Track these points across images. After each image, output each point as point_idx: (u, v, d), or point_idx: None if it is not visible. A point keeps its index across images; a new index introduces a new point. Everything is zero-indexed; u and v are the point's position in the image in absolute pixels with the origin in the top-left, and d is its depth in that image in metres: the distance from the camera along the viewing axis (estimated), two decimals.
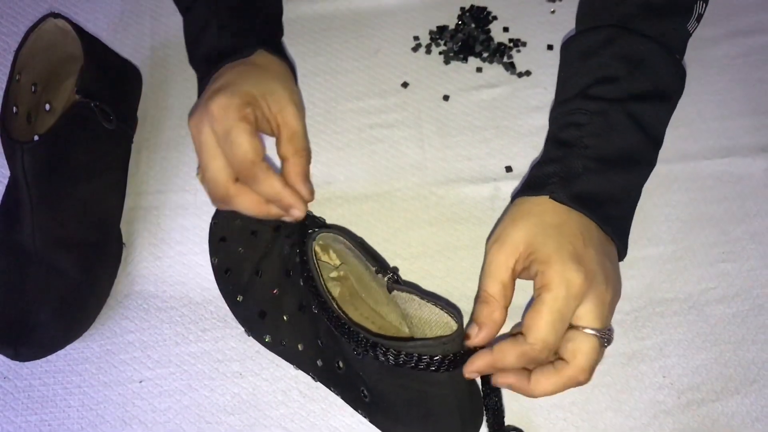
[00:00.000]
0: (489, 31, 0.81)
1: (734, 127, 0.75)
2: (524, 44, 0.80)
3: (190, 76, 0.80)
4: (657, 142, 0.64)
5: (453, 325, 0.55)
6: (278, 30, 0.74)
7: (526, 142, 0.75)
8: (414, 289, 0.58)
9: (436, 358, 0.53)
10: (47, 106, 0.71)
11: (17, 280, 0.64)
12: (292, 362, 0.64)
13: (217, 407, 0.63)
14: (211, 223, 0.69)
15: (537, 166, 0.62)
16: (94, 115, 0.66)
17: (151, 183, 0.74)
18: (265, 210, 0.60)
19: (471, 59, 0.80)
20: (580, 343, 0.53)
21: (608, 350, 0.64)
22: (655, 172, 0.72)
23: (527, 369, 0.55)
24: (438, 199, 0.72)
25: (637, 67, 0.62)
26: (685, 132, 0.75)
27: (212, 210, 0.71)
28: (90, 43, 0.69)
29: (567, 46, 0.68)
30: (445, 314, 0.56)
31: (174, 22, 0.84)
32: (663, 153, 0.73)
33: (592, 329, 0.54)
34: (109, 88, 0.68)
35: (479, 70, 0.79)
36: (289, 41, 0.81)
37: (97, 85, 0.67)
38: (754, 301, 0.67)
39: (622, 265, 0.63)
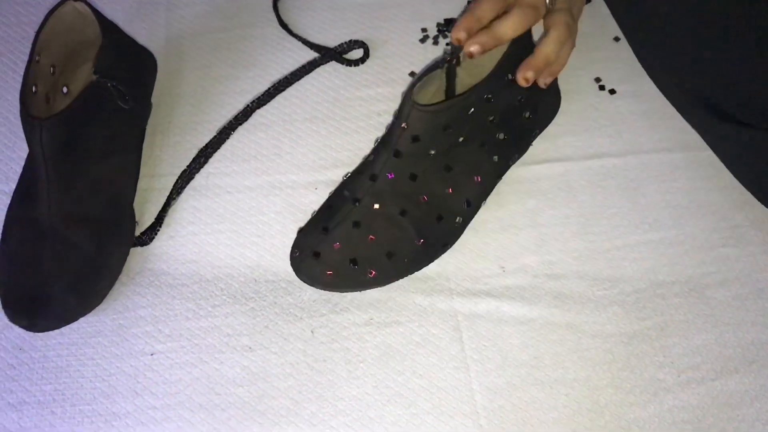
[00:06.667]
0: None
1: None
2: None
3: (203, 66, 0.82)
4: None
5: None
6: None
7: None
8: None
9: None
10: (65, 89, 0.73)
11: (33, 253, 0.65)
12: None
13: (226, 379, 0.65)
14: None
15: None
16: (110, 96, 0.68)
17: (164, 166, 0.76)
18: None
19: None
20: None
21: (610, 329, 0.66)
22: (658, 160, 0.74)
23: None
24: None
25: None
26: (687, 124, 0.76)
27: (223, 192, 0.73)
28: (108, 25, 0.71)
29: None
30: None
31: (188, 14, 0.86)
32: (665, 143, 0.76)
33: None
34: (126, 70, 0.70)
35: None
36: (299, 31, 0.83)
37: (114, 66, 0.69)
38: (753, 285, 0.69)
39: (625, 249, 0.69)
